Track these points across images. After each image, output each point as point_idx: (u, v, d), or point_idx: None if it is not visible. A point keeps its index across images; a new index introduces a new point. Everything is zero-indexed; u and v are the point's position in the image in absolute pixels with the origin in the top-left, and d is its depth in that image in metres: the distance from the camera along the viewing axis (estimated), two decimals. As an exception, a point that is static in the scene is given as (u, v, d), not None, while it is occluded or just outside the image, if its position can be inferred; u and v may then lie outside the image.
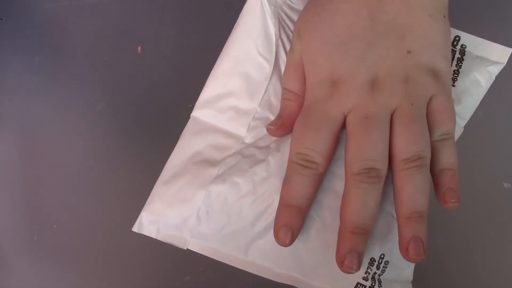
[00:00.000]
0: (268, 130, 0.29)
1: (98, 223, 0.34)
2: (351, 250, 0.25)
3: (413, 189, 0.25)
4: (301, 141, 0.26)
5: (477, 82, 0.29)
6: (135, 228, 0.29)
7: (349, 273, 0.25)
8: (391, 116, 0.26)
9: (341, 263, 0.25)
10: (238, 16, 0.32)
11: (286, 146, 0.28)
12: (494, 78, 0.30)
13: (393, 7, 0.26)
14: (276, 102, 0.30)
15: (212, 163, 0.29)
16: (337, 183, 0.27)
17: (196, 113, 0.31)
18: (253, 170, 0.28)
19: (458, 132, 0.30)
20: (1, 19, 0.37)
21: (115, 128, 0.36)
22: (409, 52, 0.26)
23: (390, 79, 0.26)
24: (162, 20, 0.37)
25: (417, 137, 0.25)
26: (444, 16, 0.27)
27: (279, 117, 0.29)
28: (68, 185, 0.35)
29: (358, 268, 0.25)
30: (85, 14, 0.36)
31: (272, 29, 0.30)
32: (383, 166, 0.25)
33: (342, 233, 0.25)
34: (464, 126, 0.30)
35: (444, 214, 0.34)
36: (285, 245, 0.26)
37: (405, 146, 0.25)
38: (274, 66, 0.30)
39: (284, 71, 0.30)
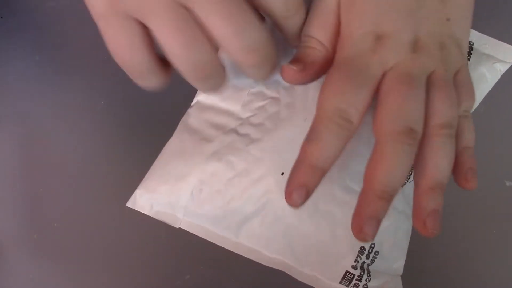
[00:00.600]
0: (284, 70, 0.26)
1: (98, 222, 0.34)
2: (372, 216, 0.23)
3: (443, 159, 0.24)
4: (342, 95, 0.24)
5: (483, 77, 0.30)
6: (129, 204, 0.29)
7: (364, 240, 0.23)
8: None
9: (359, 229, 0.23)
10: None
11: (283, 124, 0.28)
12: (500, 76, 0.30)
13: None
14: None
15: (208, 140, 0.29)
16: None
17: (200, 97, 0.31)
18: (247, 149, 0.28)
19: None
20: (1, 17, 0.37)
21: (115, 127, 0.36)
22: (448, 19, 0.25)
23: (430, 42, 0.25)
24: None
25: (453, 102, 0.24)
26: None
27: (299, 60, 0.26)
28: (68, 184, 0.35)
29: (373, 238, 0.23)
30: (86, 13, 0.36)
31: None
32: (421, 130, 0.24)
33: (367, 196, 0.23)
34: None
35: (445, 212, 0.34)
36: (296, 206, 0.24)
37: (441, 109, 0.24)
38: None
39: (310, 18, 0.27)
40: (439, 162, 0.24)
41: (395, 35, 0.25)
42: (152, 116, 0.36)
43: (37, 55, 0.36)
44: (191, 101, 0.32)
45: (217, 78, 0.25)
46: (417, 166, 0.25)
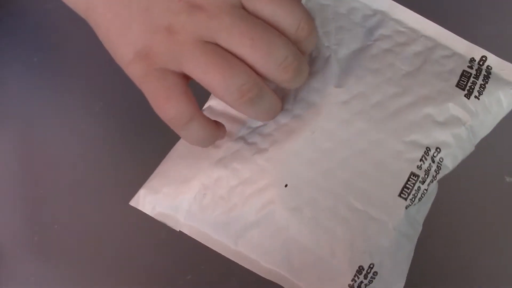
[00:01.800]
0: None
1: (98, 223, 0.34)
2: None
3: None
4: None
5: (499, 102, 0.29)
6: (132, 203, 0.29)
7: None
8: None
9: None
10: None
11: (290, 136, 0.28)
12: None
13: None
14: None
15: (215, 146, 0.29)
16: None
17: (211, 102, 0.31)
18: (253, 158, 0.28)
19: (468, 151, 0.29)
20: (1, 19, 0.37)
21: (114, 128, 0.36)
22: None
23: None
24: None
25: None
26: None
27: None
28: (68, 185, 0.35)
29: None
30: (83, 14, 0.36)
31: None
32: None
33: None
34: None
35: (444, 208, 0.34)
36: None
37: None
38: None
39: None
40: None
41: None
42: (151, 116, 0.36)
43: (36, 57, 0.36)
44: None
45: (267, 99, 0.25)
46: None
